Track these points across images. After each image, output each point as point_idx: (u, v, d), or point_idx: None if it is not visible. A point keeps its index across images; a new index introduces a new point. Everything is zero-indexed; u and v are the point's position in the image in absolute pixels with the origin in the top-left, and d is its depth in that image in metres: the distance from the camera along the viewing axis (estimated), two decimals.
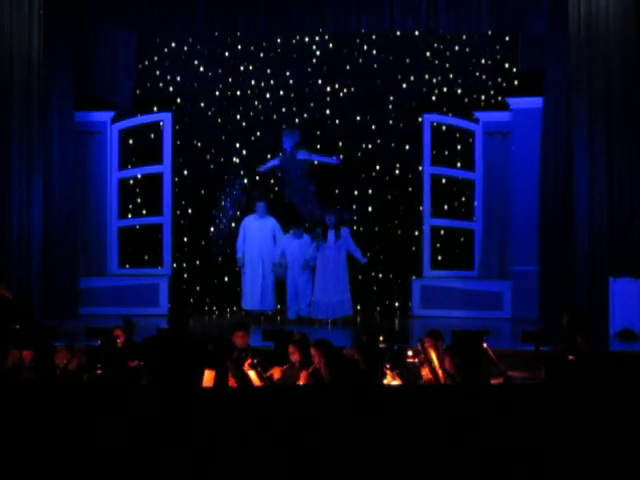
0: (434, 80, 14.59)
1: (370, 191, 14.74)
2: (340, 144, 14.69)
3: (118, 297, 13.84)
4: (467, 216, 14.39)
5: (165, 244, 14.43)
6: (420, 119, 14.55)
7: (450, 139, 14.43)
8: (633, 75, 12.19)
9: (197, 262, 14.85)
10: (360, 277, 14.25)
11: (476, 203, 14.21)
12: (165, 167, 14.48)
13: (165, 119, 14.47)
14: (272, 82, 14.76)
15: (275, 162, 14.01)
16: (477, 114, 14.19)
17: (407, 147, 14.67)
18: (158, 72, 14.87)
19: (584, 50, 12.27)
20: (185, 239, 14.85)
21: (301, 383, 7.84)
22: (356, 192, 14.73)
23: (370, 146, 14.74)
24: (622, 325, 11.82)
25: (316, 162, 14.13)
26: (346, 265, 13.20)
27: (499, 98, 14.36)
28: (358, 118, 14.75)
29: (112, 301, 13.77)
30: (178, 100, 14.86)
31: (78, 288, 13.79)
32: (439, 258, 14.48)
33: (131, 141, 14.59)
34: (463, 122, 14.32)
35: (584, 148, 12.32)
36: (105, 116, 14.36)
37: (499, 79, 14.48)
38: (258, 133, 14.80)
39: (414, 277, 14.19)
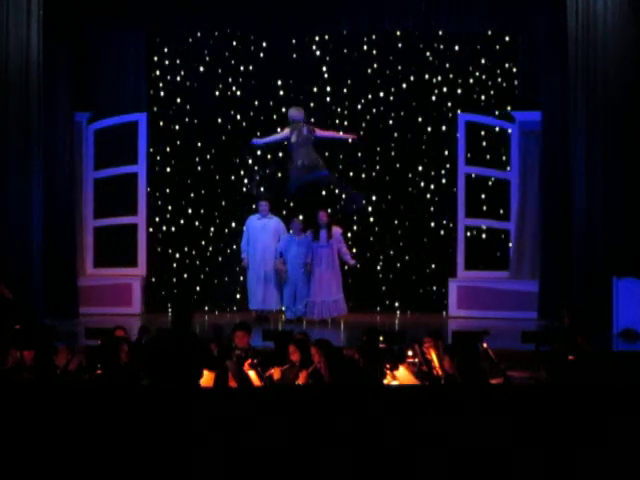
0: (434, 80, 14.59)
1: (370, 190, 14.76)
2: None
3: (94, 297, 13.94)
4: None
5: (140, 244, 14.43)
6: (421, 120, 14.59)
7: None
8: (632, 76, 12.19)
9: (197, 262, 14.88)
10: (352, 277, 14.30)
11: (512, 203, 14.08)
12: (140, 167, 14.44)
13: (140, 119, 14.42)
14: (272, 82, 14.76)
15: (280, 137, 13.80)
16: (514, 113, 14.04)
17: (406, 147, 14.67)
18: (158, 72, 14.87)
19: (582, 52, 12.27)
20: (185, 239, 14.87)
21: (301, 383, 7.84)
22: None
23: (369, 145, 14.74)
24: (625, 325, 11.80)
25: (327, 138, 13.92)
26: (339, 264, 13.21)
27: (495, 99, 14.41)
28: (358, 118, 14.75)
29: (88, 301, 13.88)
30: (178, 100, 14.86)
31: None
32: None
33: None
34: (499, 122, 14.21)
35: (582, 147, 12.33)
36: (81, 117, 14.25)
37: (499, 79, 14.49)
38: (258, 133, 14.79)
39: (450, 278, 14.13)
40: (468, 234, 14.36)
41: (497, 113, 14.30)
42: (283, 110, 14.72)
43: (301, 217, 13.83)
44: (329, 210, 13.60)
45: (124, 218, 14.46)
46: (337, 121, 14.70)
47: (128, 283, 14.17)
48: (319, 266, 13.06)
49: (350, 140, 14.01)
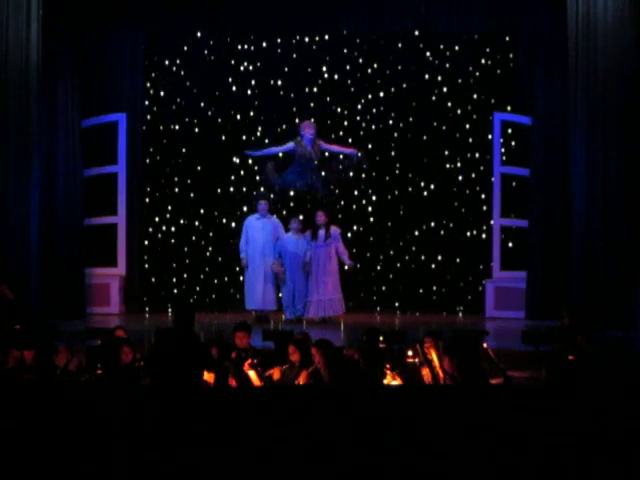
0: (434, 80, 14.58)
1: (370, 190, 14.77)
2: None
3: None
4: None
5: (120, 244, 14.47)
6: (421, 119, 14.60)
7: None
8: (632, 76, 12.19)
9: (197, 262, 14.89)
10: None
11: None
12: (120, 167, 14.45)
13: (120, 119, 14.40)
14: (272, 82, 14.77)
15: (283, 149, 13.76)
16: None
17: (407, 147, 14.66)
18: (158, 72, 14.87)
19: (582, 52, 12.27)
20: (185, 239, 14.87)
21: (301, 383, 7.84)
22: (356, 192, 14.75)
23: (370, 146, 14.74)
24: None
25: (331, 153, 13.79)
26: (337, 264, 13.21)
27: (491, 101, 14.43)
28: (358, 118, 14.76)
29: None
30: (177, 99, 14.86)
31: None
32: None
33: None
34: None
35: (582, 147, 12.32)
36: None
37: (499, 79, 14.46)
38: (258, 133, 14.81)
39: (486, 279, 14.16)
40: (465, 234, 14.43)
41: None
42: (283, 110, 14.75)
43: (301, 217, 13.82)
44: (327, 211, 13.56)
45: (105, 218, 14.47)
46: (337, 121, 14.72)
47: (107, 283, 14.24)
48: (316, 266, 13.08)
49: (359, 154, 13.72)
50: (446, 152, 14.58)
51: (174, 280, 14.85)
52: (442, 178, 14.58)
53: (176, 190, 14.85)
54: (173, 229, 14.90)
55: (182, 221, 14.90)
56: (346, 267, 13.50)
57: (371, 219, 14.78)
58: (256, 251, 13.37)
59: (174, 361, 6.90)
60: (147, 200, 14.76)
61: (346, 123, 14.75)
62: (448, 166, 14.58)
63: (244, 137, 14.80)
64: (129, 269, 14.52)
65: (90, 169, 14.33)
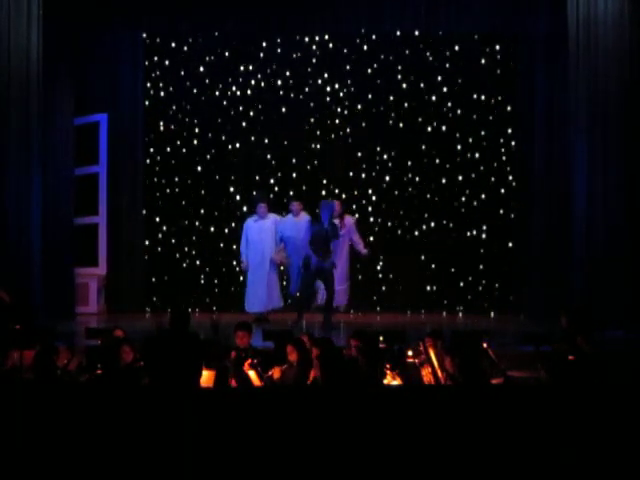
0: (434, 80, 14.58)
1: (370, 191, 14.77)
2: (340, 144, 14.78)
3: None
4: None
5: (100, 243, 14.45)
6: (421, 120, 14.60)
7: None
8: (632, 76, 12.18)
9: (197, 262, 14.90)
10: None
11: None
12: (101, 167, 14.43)
13: (101, 120, 14.37)
14: (272, 82, 14.77)
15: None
16: None
17: (407, 147, 14.67)
18: (158, 72, 14.88)
19: (582, 52, 12.26)
20: (185, 239, 14.88)
21: (304, 382, 7.83)
22: (356, 192, 14.75)
23: (369, 145, 14.74)
24: None
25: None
26: (348, 255, 13.14)
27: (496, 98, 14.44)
28: (358, 118, 14.75)
29: None
30: (177, 100, 14.85)
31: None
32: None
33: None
34: None
35: (583, 147, 12.29)
36: None
37: (499, 79, 14.47)
38: (258, 133, 14.81)
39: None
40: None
41: None
42: (283, 110, 14.76)
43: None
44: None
45: (86, 218, 14.44)
46: (337, 121, 14.72)
47: (87, 282, 14.24)
48: None
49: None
50: (446, 153, 14.58)
51: (167, 280, 14.83)
52: (442, 178, 14.58)
53: (176, 190, 14.86)
54: (173, 229, 14.90)
55: (184, 221, 14.90)
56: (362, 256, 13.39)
57: (371, 219, 14.78)
58: (256, 253, 13.27)
59: (171, 361, 6.90)
60: (137, 199, 14.72)
61: (345, 123, 14.76)
62: (448, 166, 14.59)
63: (243, 137, 14.81)
64: (110, 269, 14.48)
65: (75, 169, 14.30)
